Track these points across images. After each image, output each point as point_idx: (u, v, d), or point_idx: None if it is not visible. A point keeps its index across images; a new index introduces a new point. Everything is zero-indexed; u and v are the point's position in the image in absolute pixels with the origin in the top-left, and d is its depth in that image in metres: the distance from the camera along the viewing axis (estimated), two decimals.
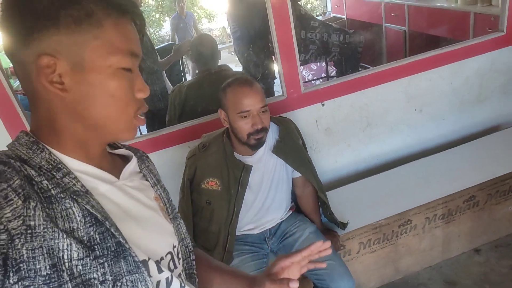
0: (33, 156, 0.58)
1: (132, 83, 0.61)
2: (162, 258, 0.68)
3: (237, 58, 3.70)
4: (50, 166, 0.58)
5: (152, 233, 0.68)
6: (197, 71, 2.14)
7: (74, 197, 0.57)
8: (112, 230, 0.58)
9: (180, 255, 0.76)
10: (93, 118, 0.59)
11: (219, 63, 2.13)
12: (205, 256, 0.90)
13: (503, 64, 2.13)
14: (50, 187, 0.55)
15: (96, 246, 0.56)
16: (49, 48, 0.55)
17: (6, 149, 0.60)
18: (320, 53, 3.40)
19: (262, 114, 1.30)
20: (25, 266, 0.50)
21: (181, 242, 0.79)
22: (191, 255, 0.81)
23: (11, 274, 0.49)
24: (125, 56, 0.59)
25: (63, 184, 0.57)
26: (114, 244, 0.58)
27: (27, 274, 0.50)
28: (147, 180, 0.75)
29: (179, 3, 5.50)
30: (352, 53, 3.40)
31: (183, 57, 3.20)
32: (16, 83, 3.11)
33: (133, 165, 0.73)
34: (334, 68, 3.73)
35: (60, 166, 0.59)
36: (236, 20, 3.46)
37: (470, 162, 1.95)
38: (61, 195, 0.56)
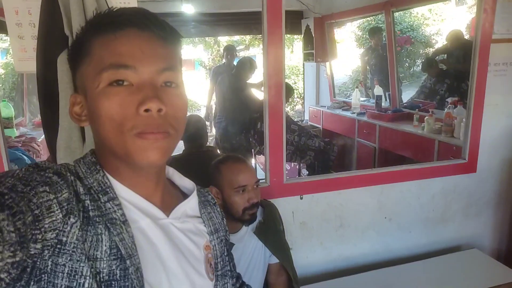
0: (88, 176, 0.59)
1: (131, 98, 0.55)
2: None
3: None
4: (100, 188, 0.58)
5: (177, 285, 0.62)
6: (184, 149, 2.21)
7: (108, 224, 0.55)
8: (131, 270, 0.54)
9: None
10: (102, 143, 0.59)
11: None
12: None
13: (465, 189, 2.32)
14: (90, 208, 0.55)
15: (114, 282, 0.53)
16: (77, 87, 0.62)
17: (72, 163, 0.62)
18: (295, 155, 3.59)
19: (256, 189, 1.34)
20: (46, 277, 0.49)
21: None
22: None
23: (32, 283, 0.48)
24: (109, 70, 0.55)
25: (104, 209, 0.56)
26: (132, 286, 0.54)
27: (45, 286, 0.49)
28: (204, 226, 0.71)
29: None
30: (324, 160, 3.62)
31: None
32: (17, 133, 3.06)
33: (189, 205, 0.69)
34: (307, 171, 3.90)
35: (108, 190, 0.58)
36: (224, 112, 3.66)
37: (431, 278, 1.99)
38: (97, 219, 0.55)
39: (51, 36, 1.12)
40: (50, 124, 1.17)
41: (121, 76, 0.55)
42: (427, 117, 3.05)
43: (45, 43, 1.12)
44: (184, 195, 0.72)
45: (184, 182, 0.73)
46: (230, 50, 4.43)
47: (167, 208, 0.64)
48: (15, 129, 3.29)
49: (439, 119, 2.99)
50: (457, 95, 3.24)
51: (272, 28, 1.75)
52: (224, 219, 0.80)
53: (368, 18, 7.00)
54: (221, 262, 0.73)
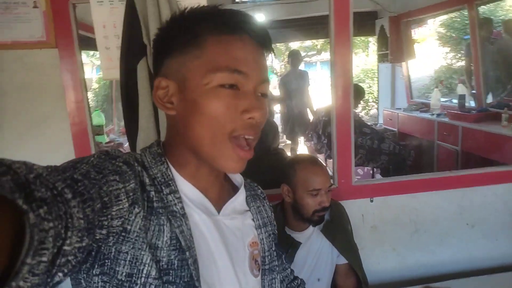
0: (153, 166, 0.61)
1: (237, 102, 0.58)
2: None
3: None
4: (163, 180, 0.60)
5: (225, 282, 0.63)
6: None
7: (170, 216, 0.58)
8: (190, 262, 0.57)
9: None
10: (191, 138, 0.60)
11: None
12: None
13: None
14: (154, 199, 0.58)
15: (171, 272, 0.56)
16: (165, 72, 0.62)
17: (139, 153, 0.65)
18: (368, 159, 3.47)
19: (328, 193, 1.34)
20: (108, 263, 0.53)
21: None
22: None
23: (96, 266, 0.52)
24: (224, 72, 0.57)
25: (166, 201, 0.59)
26: (188, 276, 0.57)
27: (107, 271, 0.53)
28: (253, 219, 0.72)
29: None
30: (400, 164, 3.45)
31: None
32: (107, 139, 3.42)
33: (237, 201, 0.70)
34: (381, 176, 3.75)
35: (170, 182, 0.61)
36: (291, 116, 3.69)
37: None
38: (160, 210, 0.57)
39: (131, 46, 1.24)
40: (131, 126, 1.30)
41: (234, 81, 0.58)
42: None
43: (127, 53, 1.25)
44: (234, 188, 0.74)
45: (235, 175, 0.75)
46: (295, 55, 4.46)
47: (220, 202, 0.67)
48: (105, 136, 3.64)
49: None
50: None
51: (339, 30, 1.74)
52: (273, 213, 0.80)
53: (451, 14, 6.56)
54: (269, 257, 0.74)
